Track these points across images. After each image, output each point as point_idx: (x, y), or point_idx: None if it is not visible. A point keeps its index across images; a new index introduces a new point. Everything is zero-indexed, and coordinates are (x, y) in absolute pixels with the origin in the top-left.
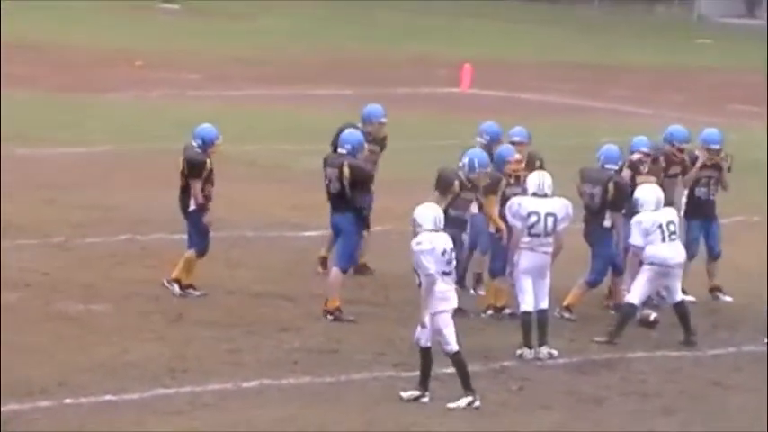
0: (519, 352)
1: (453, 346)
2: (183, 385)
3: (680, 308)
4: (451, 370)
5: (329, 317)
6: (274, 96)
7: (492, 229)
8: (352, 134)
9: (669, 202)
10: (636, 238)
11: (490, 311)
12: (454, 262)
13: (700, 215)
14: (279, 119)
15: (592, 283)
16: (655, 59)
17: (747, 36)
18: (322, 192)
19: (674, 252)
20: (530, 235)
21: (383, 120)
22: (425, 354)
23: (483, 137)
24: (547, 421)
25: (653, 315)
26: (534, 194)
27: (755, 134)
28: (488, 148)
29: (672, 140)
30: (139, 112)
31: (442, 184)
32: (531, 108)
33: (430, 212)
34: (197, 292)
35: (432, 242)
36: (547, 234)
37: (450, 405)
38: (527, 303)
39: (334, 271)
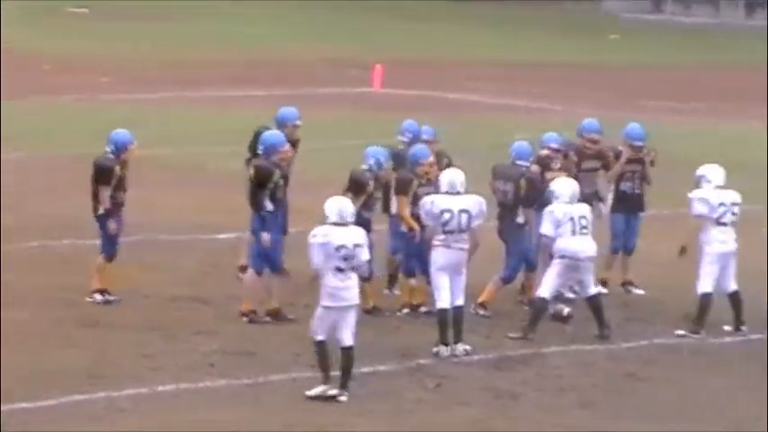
0: (435, 350)
1: (344, 341)
2: (98, 391)
3: (593, 302)
4: (368, 369)
5: (244, 319)
6: (188, 99)
7: (405, 229)
8: (271, 135)
9: (586, 196)
10: (546, 227)
11: (406, 310)
12: (358, 260)
13: (625, 209)
14: (193, 121)
15: (506, 280)
16: (567, 56)
17: (654, 31)
18: (236, 194)
19: (585, 245)
20: (444, 232)
21: (297, 122)
22: (319, 347)
23: (405, 135)
24: (464, 418)
25: (566, 310)
26: (447, 192)
27: (670, 129)
28: (411, 146)
29: (582, 132)
30: (50, 117)
31: (356, 186)
32: (445, 106)
33: (336, 205)
34: (111, 297)
35: (327, 235)
36: (461, 231)
37: (308, 393)
38: (443, 300)
39: (249, 273)
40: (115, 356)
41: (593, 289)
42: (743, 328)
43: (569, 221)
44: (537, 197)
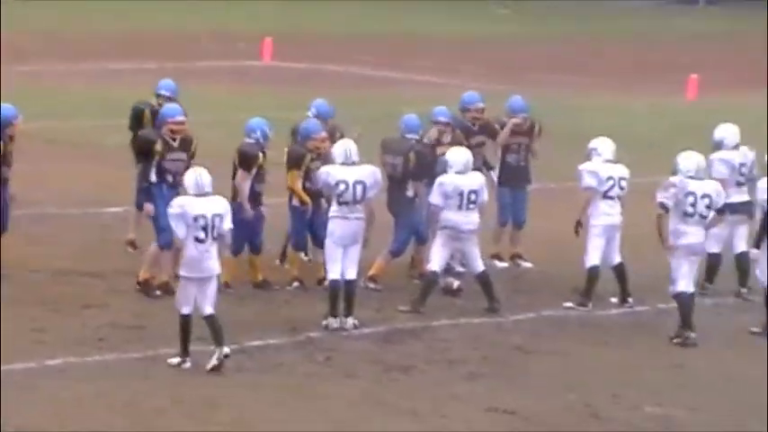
0: (324, 322)
1: (182, 308)
2: None
3: (482, 277)
4: (258, 342)
5: (138, 288)
6: (74, 71)
7: (296, 203)
8: (167, 109)
9: (477, 170)
10: (435, 198)
11: (296, 284)
12: (219, 230)
13: (511, 181)
14: (79, 94)
15: (395, 253)
16: (453, 29)
17: (543, 4)
18: (123, 167)
19: (467, 219)
20: (339, 203)
21: (171, 95)
22: (182, 320)
23: (311, 111)
24: (354, 391)
25: (456, 283)
26: (342, 163)
27: (557, 102)
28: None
29: (466, 106)
30: None
31: (246, 160)
32: (333, 80)
33: (193, 176)
34: None
35: (183, 206)
36: (356, 202)
37: (212, 361)
38: (334, 272)
39: (152, 246)
40: (3, 331)
41: (480, 264)
42: (629, 300)
43: (458, 196)
44: (426, 170)
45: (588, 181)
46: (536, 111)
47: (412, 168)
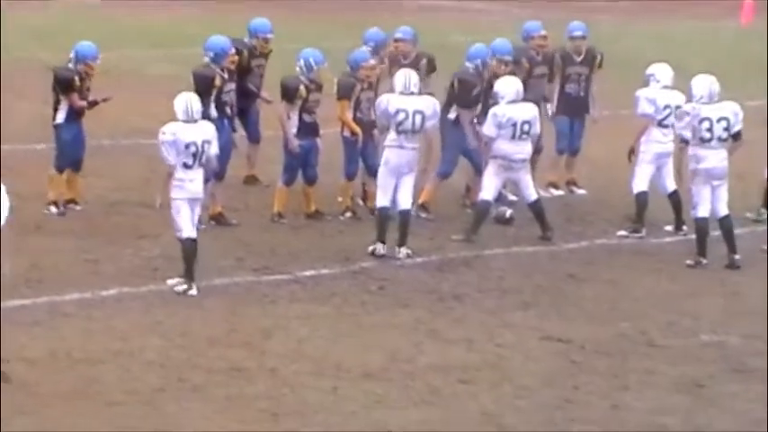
0: (371, 248)
1: (183, 232)
2: (40, 295)
3: (535, 207)
4: (311, 272)
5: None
6: (123, 3)
7: (347, 133)
8: (217, 40)
9: (537, 101)
10: (488, 128)
11: (348, 214)
12: (207, 156)
13: (569, 111)
14: (128, 26)
15: (443, 175)
16: None
17: None
18: (173, 97)
19: (519, 148)
20: (398, 132)
21: (269, 35)
22: (187, 244)
23: (368, 44)
24: (407, 319)
25: (508, 212)
26: (401, 93)
27: (606, 28)
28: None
29: (530, 35)
30: None
31: (288, 92)
32: (390, 8)
33: (182, 102)
34: (78, 207)
35: (175, 133)
36: (414, 131)
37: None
38: (384, 199)
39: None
40: (57, 262)
41: (533, 192)
42: (684, 227)
43: (511, 126)
44: (468, 98)
45: (645, 108)
46: (593, 39)
47: (456, 93)
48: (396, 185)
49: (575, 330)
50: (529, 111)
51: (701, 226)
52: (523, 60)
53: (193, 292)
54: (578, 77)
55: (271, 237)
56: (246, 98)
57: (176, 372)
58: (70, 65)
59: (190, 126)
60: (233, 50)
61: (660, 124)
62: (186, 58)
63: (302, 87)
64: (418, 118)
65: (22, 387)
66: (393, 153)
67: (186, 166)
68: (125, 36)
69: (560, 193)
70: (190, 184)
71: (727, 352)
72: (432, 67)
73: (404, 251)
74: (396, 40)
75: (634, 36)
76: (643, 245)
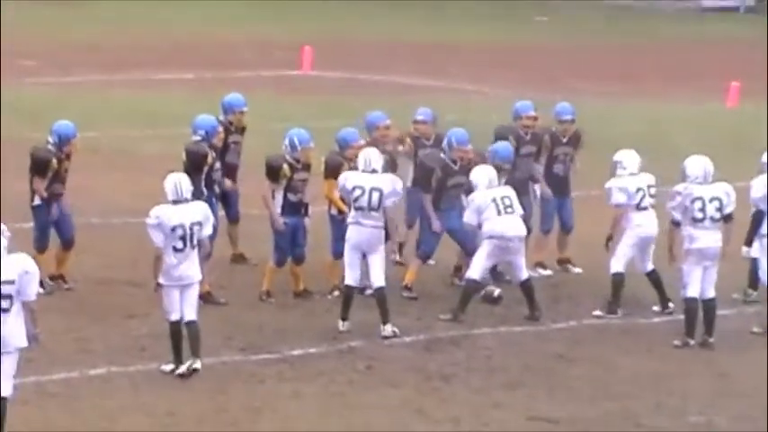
0: (340, 325)
1: (169, 316)
2: (28, 375)
3: (525, 285)
4: (299, 351)
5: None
6: (114, 82)
7: (334, 211)
8: (206, 119)
9: (522, 181)
10: (468, 216)
11: (336, 292)
12: (200, 238)
13: (556, 191)
14: (119, 104)
15: (424, 255)
16: (492, 37)
17: (582, 12)
18: (163, 177)
19: (511, 225)
20: (355, 209)
21: (244, 108)
22: (171, 327)
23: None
24: (395, 399)
25: (497, 291)
26: (363, 171)
27: (594, 111)
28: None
29: (520, 114)
30: None
31: (271, 171)
32: (372, 88)
33: (171, 182)
34: (66, 285)
35: (159, 217)
36: (371, 208)
37: (181, 368)
38: (349, 278)
39: None
40: (45, 340)
41: (525, 272)
42: (670, 305)
43: (492, 203)
44: (428, 182)
45: (618, 198)
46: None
47: (419, 177)
48: (367, 263)
49: (562, 410)
50: (506, 190)
51: (691, 306)
52: (510, 138)
53: (181, 370)
54: (564, 157)
55: (258, 315)
56: (225, 177)
57: None
58: (50, 146)
59: (179, 208)
60: (221, 129)
61: (638, 208)
62: (176, 137)
63: (286, 166)
64: (375, 195)
65: None
66: (353, 230)
67: (176, 249)
68: (119, 116)
69: (548, 272)
70: (178, 269)
71: None
72: None
73: (389, 328)
74: (416, 122)
75: (623, 117)
76: (631, 325)
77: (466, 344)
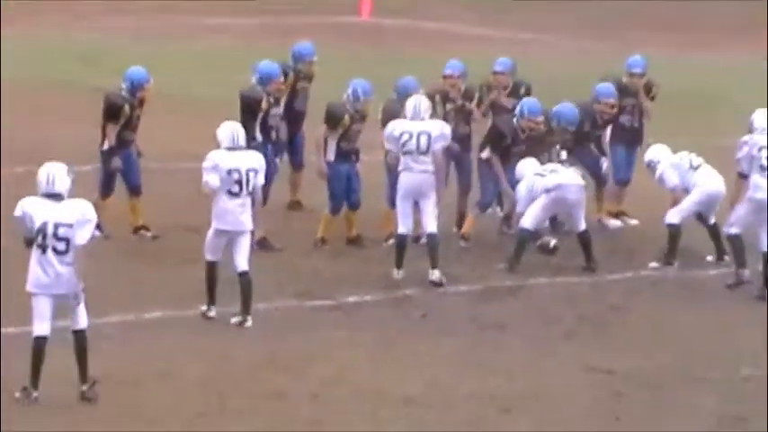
0: (394, 273)
1: (240, 266)
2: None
3: (583, 237)
4: (354, 298)
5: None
6: (170, 25)
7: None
8: (266, 65)
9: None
10: (522, 206)
11: (391, 241)
12: (253, 183)
13: (624, 141)
14: (177, 49)
15: (483, 206)
16: None
17: None
18: (221, 122)
19: (569, 175)
20: (403, 153)
21: (313, 58)
22: (208, 267)
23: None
24: (450, 348)
25: (553, 241)
26: (411, 119)
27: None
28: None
29: (599, 98)
30: (32, 42)
31: (331, 118)
32: (430, 37)
33: (228, 131)
34: (149, 233)
35: (216, 160)
36: (420, 152)
37: (233, 320)
38: (403, 225)
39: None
40: (101, 284)
41: (583, 224)
42: (725, 257)
43: (540, 173)
44: (498, 145)
45: (673, 180)
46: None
47: (489, 137)
48: (420, 210)
49: (617, 361)
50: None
51: (735, 243)
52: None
53: (212, 314)
54: (632, 109)
55: (313, 262)
56: (292, 124)
57: (217, 396)
58: (123, 92)
59: (233, 153)
60: (281, 78)
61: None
62: (235, 83)
63: (347, 117)
64: (423, 139)
65: (67, 409)
66: (404, 177)
67: (232, 193)
68: (175, 59)
69: (619, 223)
70: (233, 216)
71: None
72: (529, 95)
73: (437, 274)
74: (495, 73)
75: (686, 68)
76: (687, 277)
77: (521, 294)
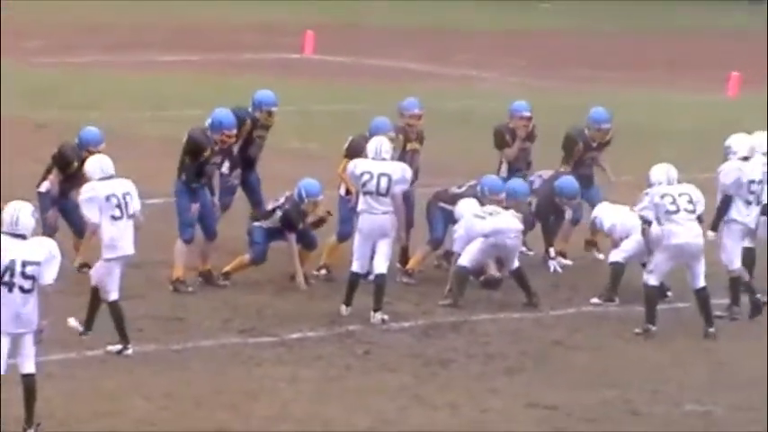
0: (342, 310)
1: (110, 295)
2: None
3: (516, 274)
4: (298, 335)
5: (171, 287)
6: (119, 63)
7: (343, 191)
8: (221, 113)
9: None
10: (459, 245)
11: (323, 271)
12: (132, 207)
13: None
14: (120, 86)
15: (434, 243)
16: (495, 23)
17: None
18: (166, 159)
19: (510, 223)
20: (364, 194)
21: (273, 108)
22: (113, 306)
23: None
24: (394, 384)
25: (496, 275)
26: (373, 159)
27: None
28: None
29: (591, 124)
30: None
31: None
32: (375, 73)
33: (95, 164)
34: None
35: (90, 192)
36: (380, 194)
37: (109, 348)
38: (356, 265)
39: (177, 242)
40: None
41: (515, 261)
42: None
43: (478, 215)
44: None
45: (609, 222)
46: (576, 107)
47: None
48: (373, 249)
49: (560, 397)
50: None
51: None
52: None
53: (129, 351)
54: (591, 162)
55: (257, 298)
56: (244, 170)
57: None
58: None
59: (106, 182)
60: (233, 130)
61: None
62: (179, 119)
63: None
64: (384, 180)
65: None
66: (364, 219)
67: (114, 218)
68: (123, 97)
69: (569, 262)
70: (121, 241)
71: (712, 422)
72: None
73: (378, 316)
74: (411, 116)
75: (623, 105)
76: (629, 312)
77: (465, 330)
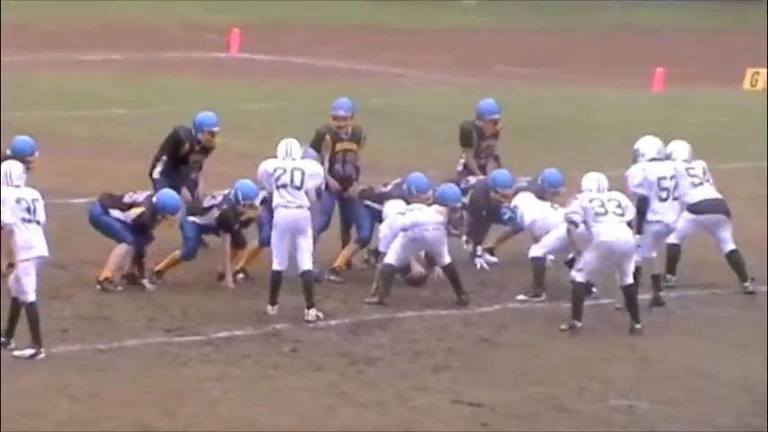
0: (269, 310)
1: (29, 296)
2: None
3: (448, 270)
4: (225, 333)
5: (98, 287)
6: (39, 62)
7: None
8: (202, 114)
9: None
10: (384, 243)
11: (241, 275)
12: (38, 209)
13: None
14: (44, 85)
15: (362, 241)
16: (421, 21)
17: None
18: (88, 158)
19: (429, 216)
20: (277, 188)
21: (215, 129)
22: (28, 307)
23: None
24: (320, 382)
25: (421, 272)
26: (283, 158)
27: (521, 95)
28: None
29: (483, 115)
30: None
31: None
32: (300, 71)
33: (5, 169)
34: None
35: (4, 192)
36: (294, 187)
37: (16, 353)
38: (277, 263)
39: (121, 245)
40: None
41: (447, 258)
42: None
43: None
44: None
45: (529, 218)
46: (502, 103)
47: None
48: (294, 247)
49: (486, 394)
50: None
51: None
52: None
53: (41, 356)
54: (488, 150)
55: (183, 297)
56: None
57: None
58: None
59: (17, 189)
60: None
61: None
62: (102, 119)
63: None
64: (297, 174)
65: None
66: (280, 213)
67: (26, 220)
68: (45, 96)
69: (495, 259)
70: (35, 242)
71: (637, 417)
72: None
73: (312, 312)
74: (336, 117)
75: (549, 101)
76: (555, 309)
77: (391, 327)
